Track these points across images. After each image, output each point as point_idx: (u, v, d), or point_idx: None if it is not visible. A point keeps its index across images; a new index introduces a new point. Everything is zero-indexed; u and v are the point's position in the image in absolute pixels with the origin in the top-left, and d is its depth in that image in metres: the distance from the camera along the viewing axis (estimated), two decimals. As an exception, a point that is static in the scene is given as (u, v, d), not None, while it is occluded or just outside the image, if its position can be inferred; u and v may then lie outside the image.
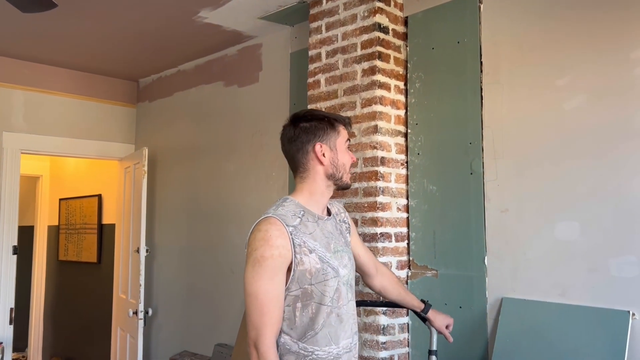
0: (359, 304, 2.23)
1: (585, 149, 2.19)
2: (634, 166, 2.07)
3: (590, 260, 2.14)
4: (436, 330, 2.18)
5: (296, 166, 1.78)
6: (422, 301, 2.16)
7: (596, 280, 2.12)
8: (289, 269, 1.64)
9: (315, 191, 1.77)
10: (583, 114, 2.20)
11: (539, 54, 2.35)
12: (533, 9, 2.38)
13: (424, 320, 2.17)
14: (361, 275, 2.10)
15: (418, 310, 2.15)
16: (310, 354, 1.65)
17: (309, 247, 1.66)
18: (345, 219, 1.93)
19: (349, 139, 1.84)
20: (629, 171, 2.08)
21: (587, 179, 2.18)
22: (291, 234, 1.64)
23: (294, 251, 1.63)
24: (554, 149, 2.27)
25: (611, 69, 2.15)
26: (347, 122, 1.83)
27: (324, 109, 2.86)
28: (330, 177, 1.77)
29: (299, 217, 1.70)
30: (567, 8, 2.28)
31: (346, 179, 1.80)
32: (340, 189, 1.85)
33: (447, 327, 2.17)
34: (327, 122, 1.78)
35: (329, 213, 1.84)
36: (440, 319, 2.16)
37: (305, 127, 1.76)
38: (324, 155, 1.75)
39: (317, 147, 1.74)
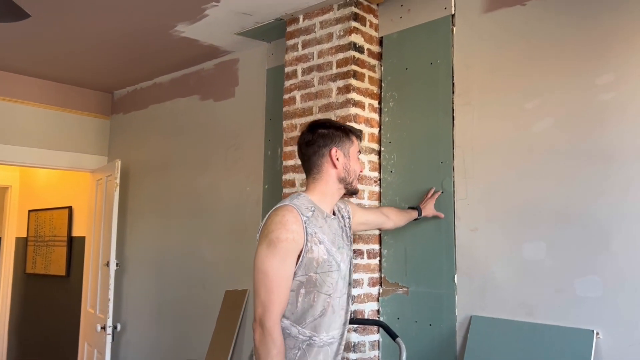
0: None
1: (552, 170, 2.24)
2: (597, 188, 2.12)
3: (557, 280, 2.19)
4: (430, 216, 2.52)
5: (310, 167, 1.94)
6: (412, 208, 2.52)
7: (562, 300, 2.17)
8: (298, 256, 1.77)
9: (326, 192, 1.92)
10: (550, 136, 2.26)
11: (509, 77, 2.40)
12: (504, 34, 2.45)
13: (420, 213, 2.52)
14: (379, 229, 2.53)
15: (416, 218, 2.51)
16: (307, 339, 1.79)
17: (319, 238, 1.81)
18: (346, 213, 2.07)
19: (359, 151, 2.01)
20: (593, 193, 2.13)
21: (554, 200, 2.23)
22: (305, 223, 1.78)
23: (306, 239, 1.77)
24: (522, 170, 2.32)
25: (577, 94, 2.21)
26: (359, 135, 2.01)
27: (298, 125, 2.88)
28: (341, 180, 1.93)
29: (311, 211, 1.84)
30: (536, 35, 2.35)
31: (356, 184, 1.97)
32: (349, 194, 2.00)
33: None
34: (342, 130, 1.95)
35: (334, 213, 2.00)
36: (428, 210, 2.51)
37: (322, 133, 1.93)
38: (338, 159, 1.91)
39: (333, 151, 1.91)
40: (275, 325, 1.71)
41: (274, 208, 1.84)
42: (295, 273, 1.77)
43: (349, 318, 1.96)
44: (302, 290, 1.78)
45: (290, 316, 1.79)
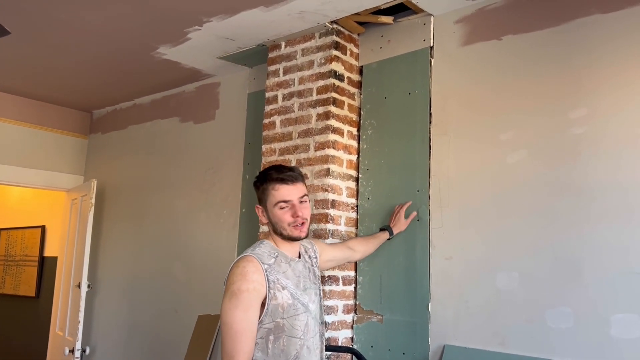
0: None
1: (525, 201, 2.28)
2: (569, 220, 2.16)
3: (528, 311, 2.20)
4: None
5: None
6: (383, 229, 2.57)
7: (533, 331, 2.18)
8: (263, 304, 1.80)
9: (277, 240, 1.95)
10: (524, 168, 2.30)
11: (485, 109, 2.46)
12: (481, 67, 2.50)
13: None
14: (348, 262, 2.55)
15: (388, 239, 2.57)
16: None
17: (281, 284, 1.84)
18: (313, 253, 2.10)
19: (283, 200, 1.91)
20: (565, 225, 2.17)
21: (527, 230, 2.26)
22: (266, 271, 1.82)
23: (268, 287, 1.81)
24: (496, 200, 2.36)
25: (551, 127, 2.26)
26: (278, 179, 1.92)
27: (278, 150, 2.89)
28: (274, 231, 1.95)
29: (274, 257, 1.88)
30: (511, 68, 2.41)
31: (289, 231, 1.92)
32: (290, 240, 1.95)
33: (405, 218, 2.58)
34: (260, 183, 1.97)
35: (300, 255, 2.02)
36: (400, 225, 2.56)
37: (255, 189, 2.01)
38: (262, 214, 1.98)
39: (257, 210, 1.99)
40: None
41: (235, 259, 1.87)
42: (262, 321, 1.80)
43: (324, 356, 1.99)
44: (271, 337, 1.81)
45: None
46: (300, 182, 1.95)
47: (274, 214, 1.92)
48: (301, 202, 1.93)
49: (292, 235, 1.92)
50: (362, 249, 2.48)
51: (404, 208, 2.57)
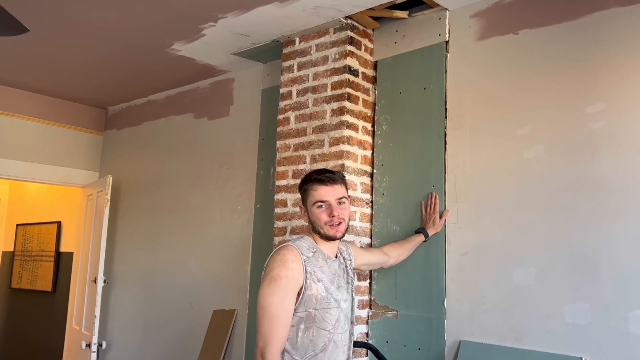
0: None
1: (542, 197, 2.26)
2: (587, 215, 2.15)
3: (546, 306, 2.19)
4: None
5: None
6: (418, 232, 2.52)
7: (551, 326, 2.17)
8: (298, 293, 1.88)
9: (316, 238, 2.03)
10: (541, 163, 2.29)
11: (501, 104, 2.44)
12: (497, 62, 2.49)
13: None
14: (382, 267, 2.51)
15: (424, 241, 2.53)
16: None
17: (317, 277, 1.92)
18: (347, 256, 2.17)
19: (321, 200, 1.98)
20: (582, 220, 2.15)
21: (544, 226, 2.24)
22: (304, 262, 1.91)
23: (306, 276, 1.89)
24: (513, 195, 2.35)
25: (568, 122, 2.24)
26: (316, 179, 2.01)
27: (292, 146, 2.89)
28: (314, 230, 2.02)
29: (312, 252, 1.97)
30: (528, 63, 2.39)
31: (326, 230, 1.99)
32: (326, 239, 2.01)
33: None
34: (302, 185, 2.06)
35: (337, 255, 2.10)
36: (435, 225, 2.51)
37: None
38: (304, 214, 2.05)
39: (300, 209, 2.08)
40: (275, 357, 1.79)
41: (276, 248, 1.97)
42: (295, 309, 1.87)
43: (351, 354, 2.05)
44: (302, 326, 1.88)
45: (292, 350, 1.88)
46: (339, 184, 2.03)
47: (312, 213, 2.00)
48: (339, 202, 2.00)
49: (328, 234, 1.98)
50: (396, 254, 2.48)
51: (437, 207, 2.52)
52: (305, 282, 1.88)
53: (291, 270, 1.86)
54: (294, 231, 2.80)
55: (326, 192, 1.99)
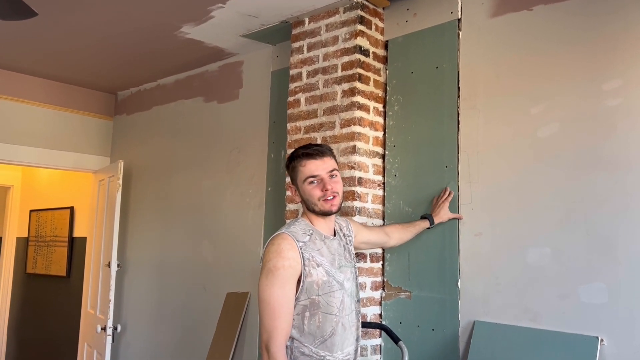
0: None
1: (557, 176, 2.23)
2: (603, 194, 2.12)
3: (561, 286, 2.18)
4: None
5: None
6: (424, 218, 2.48)
7: (566, 306, 2.15)
8: (299, 281, 1.83)
9: (312, 217, 1.96)
10: (556, 142, 2.25)
11: (515, 82, 2.40)
12: (510, 39, 2.44)
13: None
14: (382, 247, 2.50)
15: (428, 227, 2.48)
16: (322, 358, 1.85)
17: (316, 262, 1.86)
18: (348, 232, 2.11)
19: (312, 175, 1.91)
20: (598, 199, 2.13)
21: (559, 205, 2.22)
22: (301, 249, 1.84)
23: (304, 264, 1.83)
24: (527, 175, 2.32)
25: (584, 99, 2.21)
26: (305, 154, 1.93)
27: (303, 128, 2.87)
28: (307, 207, 1.96)
29: (309, 235, 1.90)
30: (542, 40, 2.35)
31: (320, 206, 1.92)
32: (322, 215, 1.95)
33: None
34: (289, 162, 1.98)
35: (335, 232, 2.03)
36: (443, 215, 2.46)
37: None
38: (295, 193, 1.99)
39: (290, 189, 2.02)
40: (280, 350, 1.76)
41: (271, 237, 1.90)
42: (298, 298, 1.83)
43: (360, 334, 2.00)
44: (307, 313, 1.84)
45: (300, 338, 1.84)
46: (328, 157, 1.95)
47: (304, 191, 1.93)
48: (331, 176, 1.93)
49: (323, 210, 1.91)
50: (397, 236, 2.44)
51: (449, 199, 2.47)
52: (304, 269, 1.83)
53: (287, 259, 1.80)
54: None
55: (316, 166, 1.91)
